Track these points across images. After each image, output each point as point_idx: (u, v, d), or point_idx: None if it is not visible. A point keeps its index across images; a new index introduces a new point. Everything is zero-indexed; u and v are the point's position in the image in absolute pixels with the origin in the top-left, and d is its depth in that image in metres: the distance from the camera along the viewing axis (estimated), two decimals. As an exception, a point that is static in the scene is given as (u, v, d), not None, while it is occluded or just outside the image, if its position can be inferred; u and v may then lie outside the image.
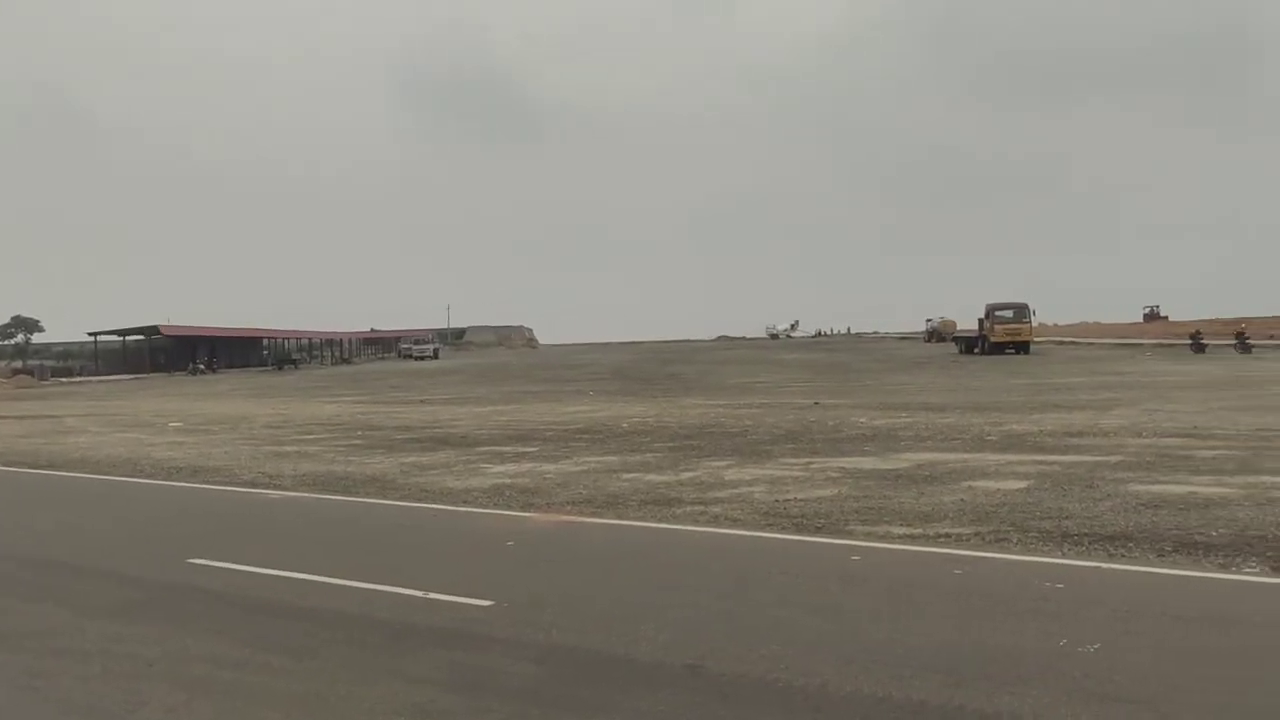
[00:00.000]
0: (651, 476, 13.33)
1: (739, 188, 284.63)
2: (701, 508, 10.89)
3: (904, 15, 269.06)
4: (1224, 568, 7.54)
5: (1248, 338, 48.63)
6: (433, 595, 7.28)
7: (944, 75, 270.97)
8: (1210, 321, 61.53)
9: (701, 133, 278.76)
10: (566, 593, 7.44)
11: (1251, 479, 11.22)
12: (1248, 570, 7.44)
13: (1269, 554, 7.77)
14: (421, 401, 33.96)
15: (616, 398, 32.06)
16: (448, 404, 32.11)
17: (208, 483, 14.68)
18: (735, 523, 10.08)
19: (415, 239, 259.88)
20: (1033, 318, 59.54)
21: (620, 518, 10.62)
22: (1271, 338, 54.67)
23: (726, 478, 13.00)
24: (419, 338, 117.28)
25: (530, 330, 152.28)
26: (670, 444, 17.21)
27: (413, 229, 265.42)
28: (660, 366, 57.56)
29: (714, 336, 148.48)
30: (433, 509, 11.64)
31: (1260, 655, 5.50)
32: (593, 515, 10.81)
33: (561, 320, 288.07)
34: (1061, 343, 72.03)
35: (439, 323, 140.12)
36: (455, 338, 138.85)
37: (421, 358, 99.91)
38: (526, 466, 14.94)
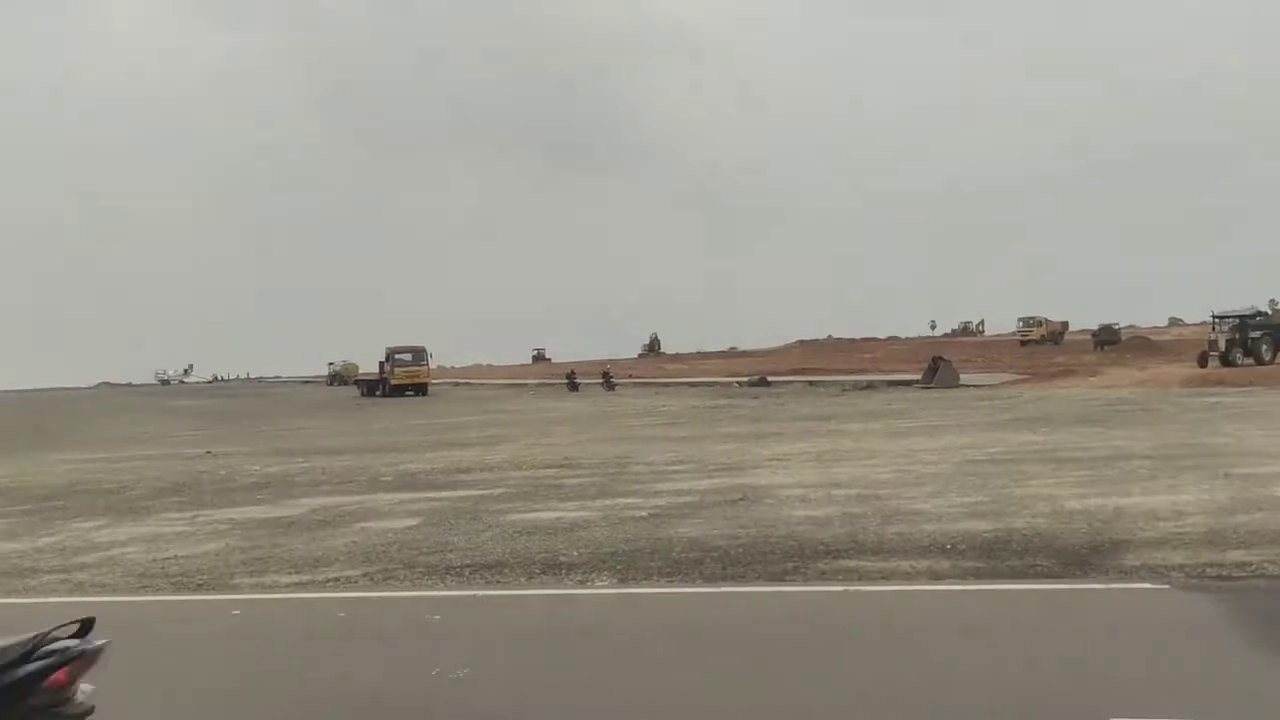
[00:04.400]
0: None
1: (108, 216, 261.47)
2: (64, 575, 9.68)
3: (284, 56, 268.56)
4: (582, 583, 8.43)
5: (611, 377, 55.55)
6: None
7: (325, 118, 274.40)
8: (583, 363, 69.18)
9: (64, 152, 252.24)
10: None
11: (608, 502, 12.71)
12: (600, 584, 8.40)
13: (617, 567, 8.85)
14: None
15: (-38, 457, 27.40)
16: None
17: None
18: (104, 588, 9.09)
19: None
20: (430, 360, 62.23)
21: (-49, 598, 9.05)
22: (630, 376, 63.42)
23: (96, 540, 11.71)
24: None
25: None
26: (27, 507, 15.08)
27: None
28: (22, 419, 50.43)
29: (95, 383, 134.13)
30: None
31: (608, 656, 6.22)
32: (-86, 600, 9.08)
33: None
34: (458, 384, 76.17)
35: None
36: None
37: None
38: None
